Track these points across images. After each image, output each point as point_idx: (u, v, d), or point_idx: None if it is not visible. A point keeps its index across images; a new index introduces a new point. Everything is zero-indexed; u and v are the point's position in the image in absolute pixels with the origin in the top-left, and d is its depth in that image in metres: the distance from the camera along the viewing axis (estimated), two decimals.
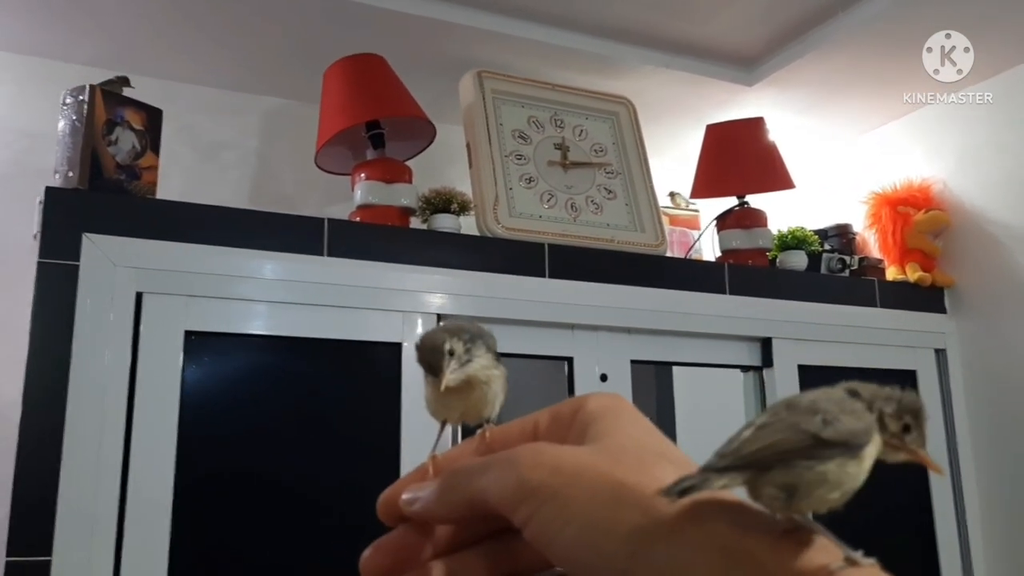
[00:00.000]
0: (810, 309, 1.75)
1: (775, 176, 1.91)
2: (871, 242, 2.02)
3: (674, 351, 1.65)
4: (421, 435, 1.31)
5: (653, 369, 1.78)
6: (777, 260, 1.86)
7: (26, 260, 1.28)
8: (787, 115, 2.05)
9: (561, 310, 1.51)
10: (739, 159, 1.92)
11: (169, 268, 1.23)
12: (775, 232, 1.88)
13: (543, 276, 1.52)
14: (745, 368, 1.72)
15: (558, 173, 1.71)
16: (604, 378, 1.53)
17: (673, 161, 2.23)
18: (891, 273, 1.95)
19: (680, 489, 0.27)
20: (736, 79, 1.92)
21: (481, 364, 0.38)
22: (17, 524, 1.08)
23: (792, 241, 1.87)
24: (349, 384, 1.35)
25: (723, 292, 1.68)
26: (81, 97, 1.29)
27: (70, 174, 1.27)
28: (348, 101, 1.57)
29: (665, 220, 1.90)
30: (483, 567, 0.35)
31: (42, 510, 1.09)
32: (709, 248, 1.99)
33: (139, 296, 1.21)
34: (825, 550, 0.27)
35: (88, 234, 1.19)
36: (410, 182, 1.56)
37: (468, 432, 0.39)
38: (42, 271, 1.17)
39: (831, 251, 1.94)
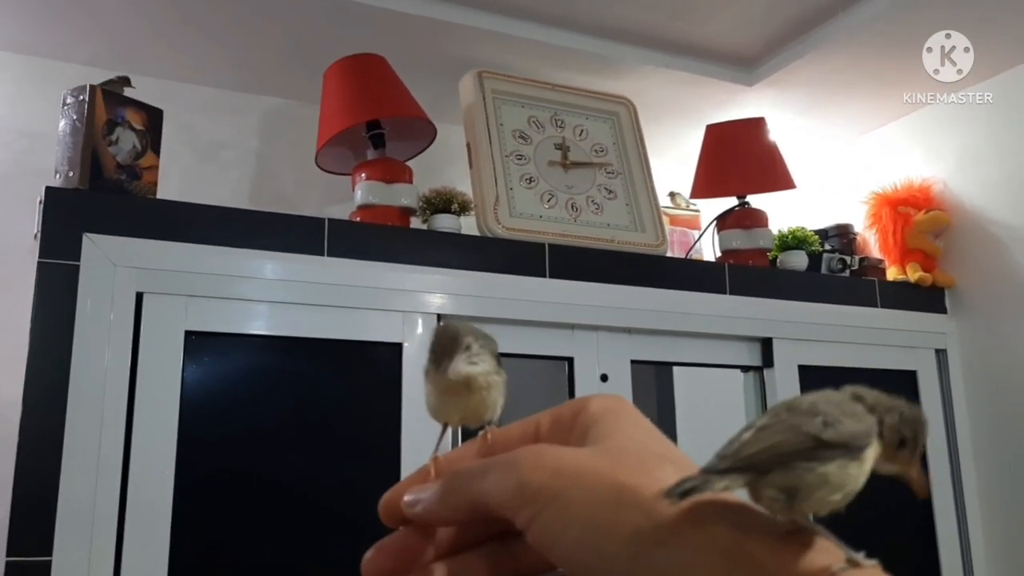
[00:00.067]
0: (810, 309, 1.75)
1: (776, 176, 1.91)
2: (871, 242, 2.02)
3: (674, 351, 1.65)
4: (421, 436, 1.31)
5: (653, 369, 1.77)
6: (777, 260, 1.86)
7: (26, 260, 1.28)
8: (787, 115, 2.05)
9: (561, 310, 1.51)
10: (739, 159, 1.92)
11: (169, 268, 1.23)
12: (775, 232, 1.88)
13: (543, 276, 1.52)
14: (745, 368, 1.72)
15: (558, 173, 1.71)
16: (604, 378, 1.53)
17: (673, 161, 2.23)
18: (891, 273, 1.95)
19: (681, 491, 0.27)
20: (736, 79, 1.92)
21: (483, 369, 0.38)
22: (17, 524, 1.08)
23: (792, 241, 1.87)
24: (349, 384, 1.35)
25: (723, 292, 1.68)
26: (81, 97, 1.29)
27: (70, 174, 1.27)
28: (348, 101, 1.57)
29: (665, 220, 1.90)
30: (485, 569, 0.35)
31: (42, 510, 1.09)
32: (709, 248, 1.98)
33: (139, 296, 1.21)
34: (826, 551, 0.27)
35: (88, 234, 1.19)
36: (410, 182, 1.56)
37: (469, 434, 0.39)
38: (42, 271, 1.17)
39: (831, 251, 1.94)
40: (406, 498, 0.35)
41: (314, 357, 1.32)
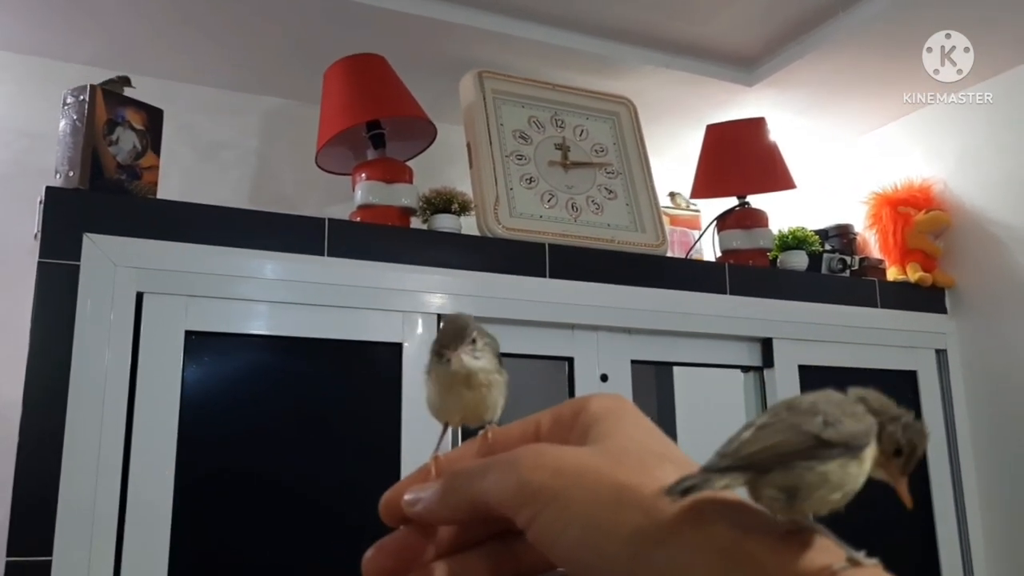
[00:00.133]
0: (811, 309, 1.75)
1: (776, 176, 1.91)
2: (872, 242, 2.02)
3: (674, 351, 1.65)
4: (421, 435, 1.31)
5: (653, 369, 1.77)
6: (778, 260, 1.86)
7: (26, 260, 1.28)
8: (787, 115, 2.05)
9: (561, 310, 1.51)
10: (739, 159, 1.92)
11: (169, 268, 1.23)
12: (776, 232, 1.88)
13: (543, 276, 1.52)
14: (745, 368, 1.72)
15: (559, 173, 1.71)
16: (604, 378, 1.53)
17: (673, 161, 2.23)
18: (892, 273, 1.95)
19: (682, 488, 0.27)
20: (736, 79, 1.92)
21: (484, 365, 0.38)
22: (17, 524, 1.08)
23: (793, 241, 1.87)
24: (349, 384, 1.35)
25: (724, 292, 1.68)
26: (82, 97, 1.29)
27: (71, 174, 1.27)
28: (348, 101, 1.57)
29: (666, 220, 1.90)
30: (485, 568, 0.35)
31: (42, 510, 1.09)
32: (709, 248, 1.98)
33: (139, 296, 1.21)
34: (827, 551, 0.27)
35: (88, 234, 1.19)
36: (410, 182, 1.56)
37: (469, 434, 0.39)
38: (42, 271, 1.17)
39: (832, 251, 1.94)
40: (406, 497, 0.35)
41: (314, 357, 1.32)
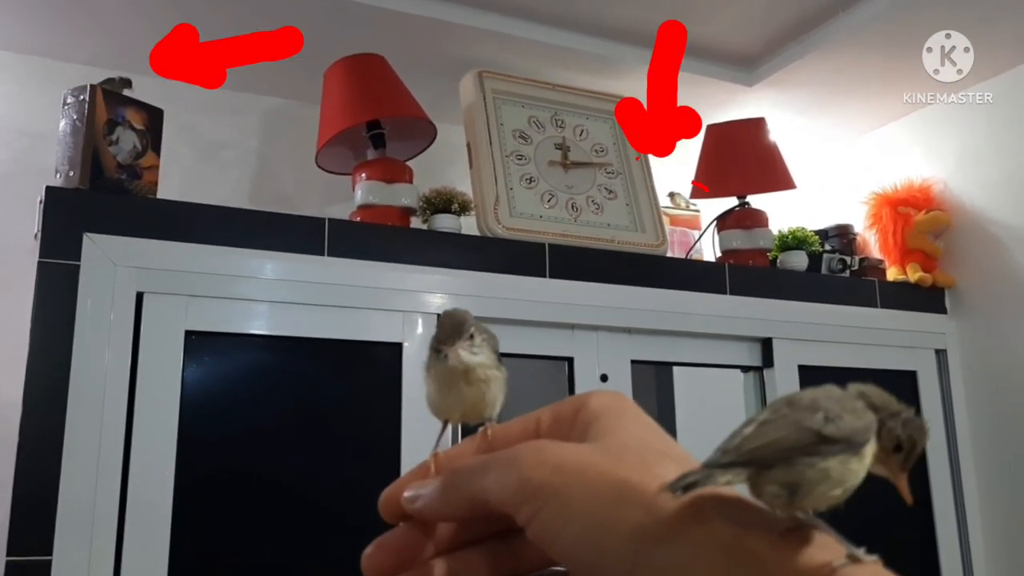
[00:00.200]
0: (810, 309, 1.75)
1: (776, 176, 1.92)
2: (872, 242, 2.02)
3: (674, 351, 1.65)
4: (421, 435, 1.31)
5: (653, 369, 1.77)
6: (777, 260, 1.86)
7: (26, 260, 1.28)
8: (787, 115, 2.05)
9: (561, 310, 1.51)
10: (740, 159, 1.92)
11: (170, 268, 1.23)
12: (776, 232, 1.88)
13: (543, 276, 1.52)
14: (745, 368, 1.72)
15: (559, 173, 1.71)
16: (604, 378, 1.53)
17: (673, 161, 2.23)
18: (892, 273, 1.95)
19: (684, 485, 0.27)
20: (736, 79, 1.92)
21: (482, 360, 0.38)
22: (17, 524, 1.08)
23: (793, 241, 1.87)
24: (349, 384, 1.35)
25: (723, 292, 1.68)
26: (82, 97, 1.29)
27: (71, 174, 1.27)
28: (348, 101, 1.57)
29: (665, 220, 1.90)
30: (485, 566, 0.35)
31: (42, 510, 1.09)
32: (709, 248, 1.98)
33: (139, 296, 1.21)
34: (827, 547, 0.27)
35: (89, 234, 1.19)
36: (410, 182, 1.56)
37: (469, 431, 0.39)
38: (42, 271, 1.17)
39: (832, 251, 1.94)
40: (406, 494, 0.35)
41: (314, 357, 1.32)
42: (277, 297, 1.29)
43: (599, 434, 0.32)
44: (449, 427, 0.41)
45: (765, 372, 1.70)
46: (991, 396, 1.84)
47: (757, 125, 1.94)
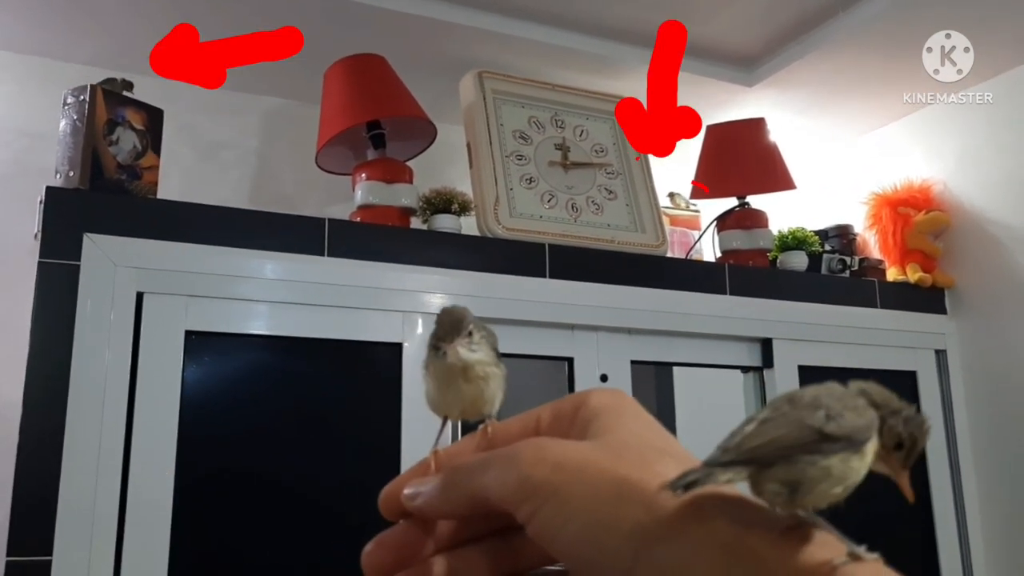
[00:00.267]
0: (810, 310, 1.75)
1: (776, 177, 1.92)
2: (871, 243, 2.02)
3: (674, 351, 1.65)
4: (421, 435, 1.31)
5: (653, 370, 1.77)
6: (777, 261, 1.86)
7: (26, 260, 1.28)
8: (787, 116, 2.05)
9: (561, 310, 1.51)
10: (739, 159, 1.92)
11: (170, 268, 1.23)
12: (775, 233, 1.88)
13: (543, 276, 1.52)
14: (745, 369, 1.72)
15: (559, 173, 1.71)
16: (604, 379, 1.53)
17: (673, 161, 2.23)
18: (891, 274, 1.95)
19: (684, 483, 0.27)
20: (736, 79, 1.92)
21: (480, 358, 0.38)
22: (17, 524, 1.08)
23: (792, 242, 1.87)
24: (349, 384, 1.35)
25: (723, 292, 1.68)
26: (82, 97, 1.29)
27: (71, 174, 1.27)
28: (349, 101, 1.57)
29: (665, 220, 1.90)
30: (485, 563, 0.35)
31: (42, 510, 1.09)
32: (709, 248, 1.98)
33: (139, 296, 1.20)
34: (828, 545, 0.27)
35: (89, 234, 1.19)
36: (410, 182, 1.56)
37: (469, 428, 0.39)
38: (42, 271, 1.17)
39: (831, 252, 1.94)
40: (406, 491, 0.35)
41: (314, 357, 1.32)
42: (277, 297, 1.29)
43: (599, 432, 0.32)
44: (448, 424, 0.40)
45: (765, 372, 1.70)
46: (991, 396, 1.84)
47: (757, 125, 1.94)
